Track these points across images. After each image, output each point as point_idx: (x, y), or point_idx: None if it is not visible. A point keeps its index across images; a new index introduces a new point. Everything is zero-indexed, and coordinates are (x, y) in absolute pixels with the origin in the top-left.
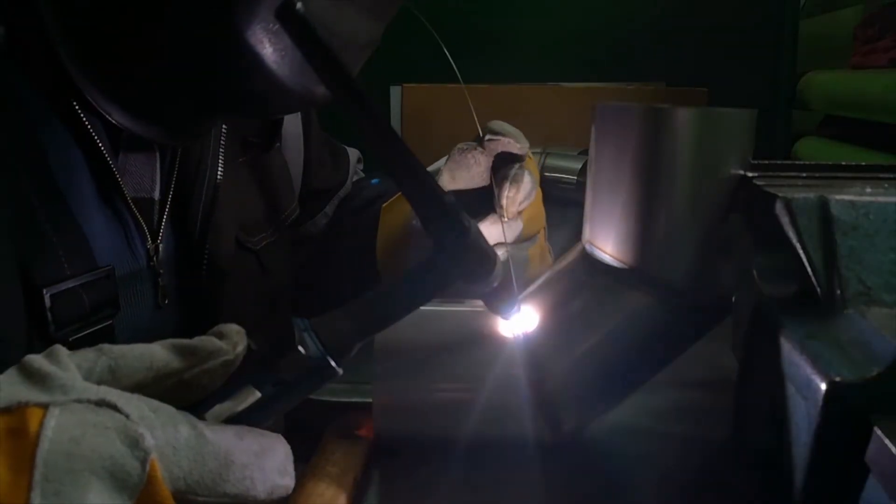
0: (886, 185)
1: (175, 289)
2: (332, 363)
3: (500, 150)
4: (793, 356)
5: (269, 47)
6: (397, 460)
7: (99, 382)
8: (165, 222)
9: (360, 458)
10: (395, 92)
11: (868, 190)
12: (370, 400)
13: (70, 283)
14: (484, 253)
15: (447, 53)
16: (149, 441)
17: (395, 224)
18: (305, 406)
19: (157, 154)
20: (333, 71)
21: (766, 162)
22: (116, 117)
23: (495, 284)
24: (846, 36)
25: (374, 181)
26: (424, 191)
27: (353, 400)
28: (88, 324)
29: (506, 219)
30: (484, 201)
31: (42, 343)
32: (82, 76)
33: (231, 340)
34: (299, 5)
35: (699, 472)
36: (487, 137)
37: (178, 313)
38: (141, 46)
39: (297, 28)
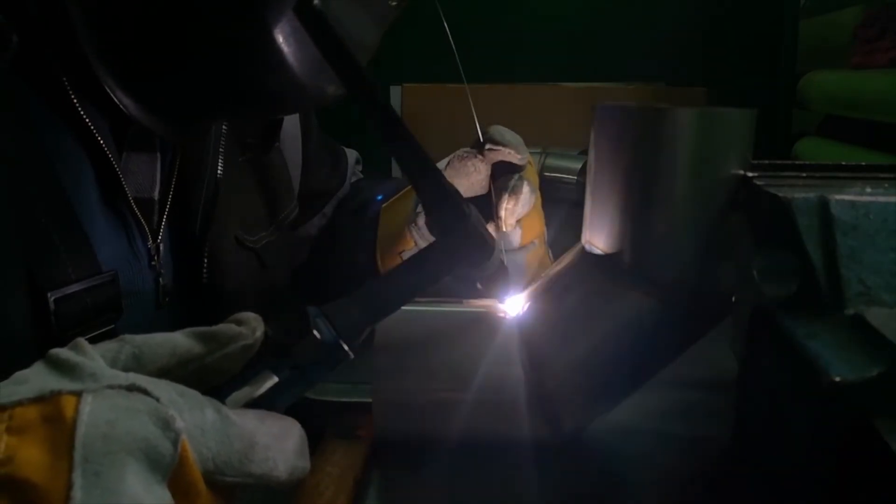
0: (886, 185)
1: (175, 288)
2: (345, 347)
3: (499, 160)
4: (793, 356)
5: (292, 45)
6: (397, 460)
7: (124, 370)
8: (165, 222)
9: (360, 458)
10: (395, 92)
11: (868, 190)
12: (370, 400)
13: (74, 287)
14: (482, 238)
15: (454, 51)
16: (179, 423)
17: (396, 224)
18: (305, 406)
19: (159, 154)
20: (346, 64)
21: (766, 162)
22: (132, 111)
23: (493, 270)
24: (846, 36)
25: (378, 197)
26: (429, 179)
27: (353, 400)
28: (91, 327)
29: (504, 229)
30: (482, 209)
31: (45, 346)
32: (104, 69)
33: (250, 326)
34: (316, 1)
35: (699, 472)
36: (487, 147)
37: (179, 312)
38: (168, 39)
39: (313, 22)
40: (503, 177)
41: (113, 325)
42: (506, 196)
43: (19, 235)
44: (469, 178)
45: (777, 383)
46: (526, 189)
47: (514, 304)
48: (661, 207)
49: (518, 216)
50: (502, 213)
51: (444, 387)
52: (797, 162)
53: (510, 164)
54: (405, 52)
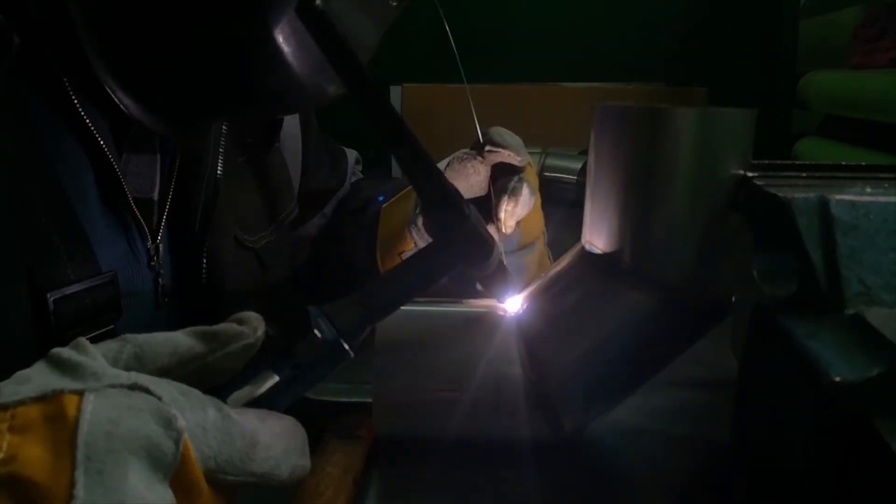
0: (886, 185)
1: (175, 288)
2: (346, 346)
3: (499, 162)
4: (793, 356)
5: (293, 45)
6: (397, 460)
7: (126, 369)
8: (165, 222)
9: (360, 458)
10: (395, 92)
11: (868, 190)
12: (370, 400)
13: (74, 288)
14: (482, 238)
15: (455, 52)
16: (181, 422)
17: (396, 225)
18: (305, 406)
19: (159, 154)
20: (348, 64)
21: (766, 162)
22: (133, 111)
23: (492, 269)
24: (846, 36)
25: (380, 198)
26: (429, 179)
27: (353, 400)
28: (91, 327)
29: (504, 231)
30: (482, 210)
31: (45, 346)
32: (104, 69)
33: (251, 325)
34: (318, 1)
35: (699, 472)
36: (487, 149)
37: (178, 312)
38: (168, 39)
39: (315, 22)
40: (503, 178)
41: (112, 326)
42: (506, 198)
43: (19, 235)
44: (469, 179)
45: (777, 383)
46: (526, 191)
47: (513, 304)
48: (661, 207)
49: (518, 218)
50: (502, 215)
51: (444, 387)
52: (797, 162)
53: (510, 165)
54: (405, 52)
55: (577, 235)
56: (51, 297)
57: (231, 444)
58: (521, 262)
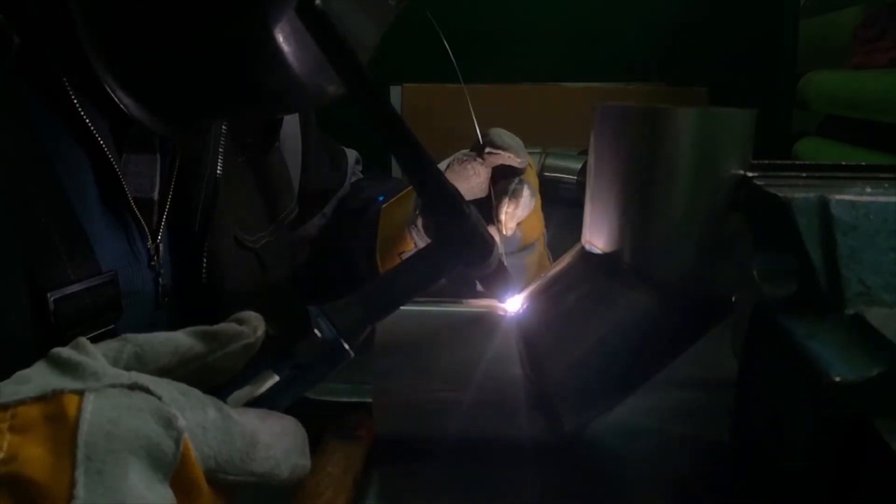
0: (886, 185)
1: (175, 288)
2: (346, 346)
3: (499, 164)
4: (793, 356)
5: (292, 44)
6: (397, 460)
7: (126, 369)
8: (165, 222)
9: (360, 458)
10: (395, 92)
11: (868, 190)
12: (370, 400)
13: (74, 288)
14: (482, 238)
15: (450, 53)
16: (181, 421)
17: (396, 225)
18: (305, 406)
19: (159, 154)
20: (348, 64)
21: (766, 162)
22: (133, 111)
23: (492, 269)
24: (846, 36)
25: (380, 198)
26: (429, 179)
27: (353, 400)
28: (91, 327)
29: (504, 233)
30: (482, 212)
31: (45, 346)
32: (104, 69)
33: (251, 325)
34: (318, 1)
35: (699, 472)
36: (487, 150)
37: (179, 312)
38: (168, 39)
39: (315, 22)
40: (503, 180)
41: (113, 325)
42: (506, 200)
43: (19, 235)
44: (469, 181)
45: (777, 383)
46: (526, 192)
47: (513, 304)
48: (661, 207)
49: (519, 220)
50: (503, 217)
51: (444, 387)
52: (797, 162)
53: (510, 167)
54: (405, 52)
55: (577, 235)
56: (51, 297)
57: (231, 443)
58: (521, 263)
